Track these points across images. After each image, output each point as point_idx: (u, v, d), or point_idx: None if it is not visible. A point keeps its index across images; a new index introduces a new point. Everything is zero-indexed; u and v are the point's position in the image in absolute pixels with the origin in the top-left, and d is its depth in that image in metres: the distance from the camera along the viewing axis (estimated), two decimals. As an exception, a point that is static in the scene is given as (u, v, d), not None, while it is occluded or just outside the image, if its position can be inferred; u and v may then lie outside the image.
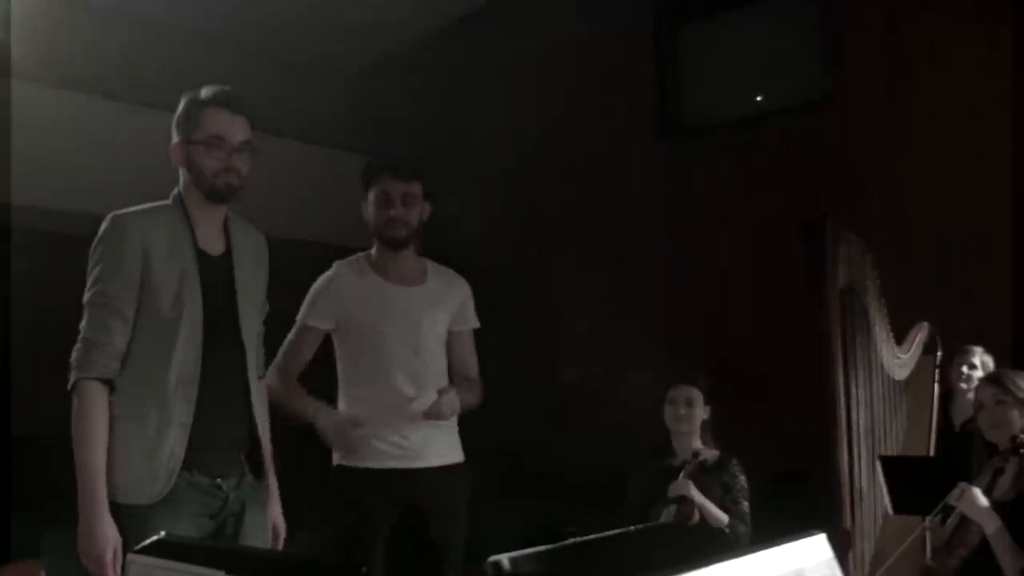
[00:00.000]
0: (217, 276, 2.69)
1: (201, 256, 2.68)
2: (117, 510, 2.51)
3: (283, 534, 2.87)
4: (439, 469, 3.33)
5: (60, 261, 3.63)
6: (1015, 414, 3.16)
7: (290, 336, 3.37)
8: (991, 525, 2.94)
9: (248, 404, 2.72)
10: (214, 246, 2.73)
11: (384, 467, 3.25)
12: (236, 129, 2.69)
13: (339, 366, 3.39)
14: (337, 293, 3.35)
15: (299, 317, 3.37)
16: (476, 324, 3.53)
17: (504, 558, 1.80)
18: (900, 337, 4.15)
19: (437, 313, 3.39)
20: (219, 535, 2.64)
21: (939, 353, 4.36)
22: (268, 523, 2.81)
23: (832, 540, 3.80)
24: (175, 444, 2.55)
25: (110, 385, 2.55)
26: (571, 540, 1.85)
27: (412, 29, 7.96)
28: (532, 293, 7.08)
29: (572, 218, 7.08)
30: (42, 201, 5.78)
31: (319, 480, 3.35)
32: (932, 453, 4.13)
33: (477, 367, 3.53)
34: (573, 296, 6.89)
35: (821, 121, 5.98)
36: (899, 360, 4.09)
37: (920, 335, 4.24)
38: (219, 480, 2.64)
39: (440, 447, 3.36)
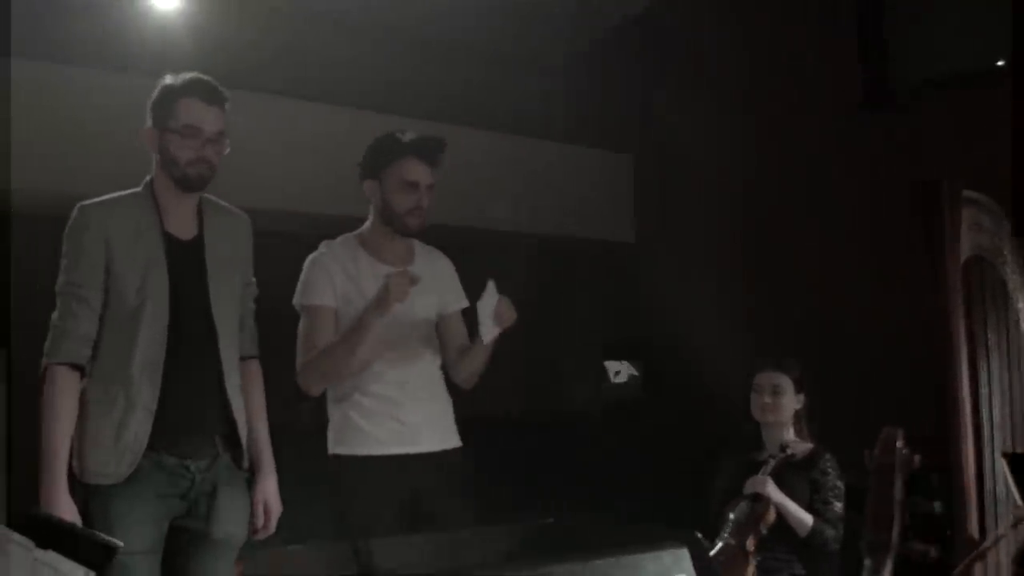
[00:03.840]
0: (187, 260, 2.69)
1: (169, 241, 2.68)
2: (84, 489, 2.56)
3: (276, 511, 2.83)
4: (436, 455, 3.17)
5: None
6: None
7: (300, 329, 3.20)
8: None
9: (222, 387, 2.70)
10: (185, 230, 2.73)
11: (378, 454, 3.10)
12: (211, 119, 2.70)
13: None
14: (329, 271, 3.18)
15: (296, 302, 3.21)
16: (465, 303, 3.31)
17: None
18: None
19: (427, 294, 3.19)
20: (191, 515, 2.66)
21: (1110, 334, 3.72)
22: (247, 503, 2.78)
23: (957, 549, 3.37)
24: (139, 426, 2.57)
25: (81, 371, 2.59)
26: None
27: (608, 15, 7.82)
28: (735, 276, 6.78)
29: (772, 199, 6.69)
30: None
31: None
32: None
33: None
34: (772, 281, 6.51)
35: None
36: (1053, 342, 3.52)
37: (1085, 311, 3.63)
38: (187, 461, 2.64)
39: (437, 432, 3.21)
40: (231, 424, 2.72)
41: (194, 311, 2.67)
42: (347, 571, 1.77)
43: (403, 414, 3.13)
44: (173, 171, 2.68)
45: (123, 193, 2.71)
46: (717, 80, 7.17)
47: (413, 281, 2.98)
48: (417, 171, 3.16)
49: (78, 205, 2.65)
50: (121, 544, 2.16)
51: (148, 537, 2.58)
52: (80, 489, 2.56)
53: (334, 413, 3.21)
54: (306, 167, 6.58)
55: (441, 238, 3.42)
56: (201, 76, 2.73)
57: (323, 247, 3.25)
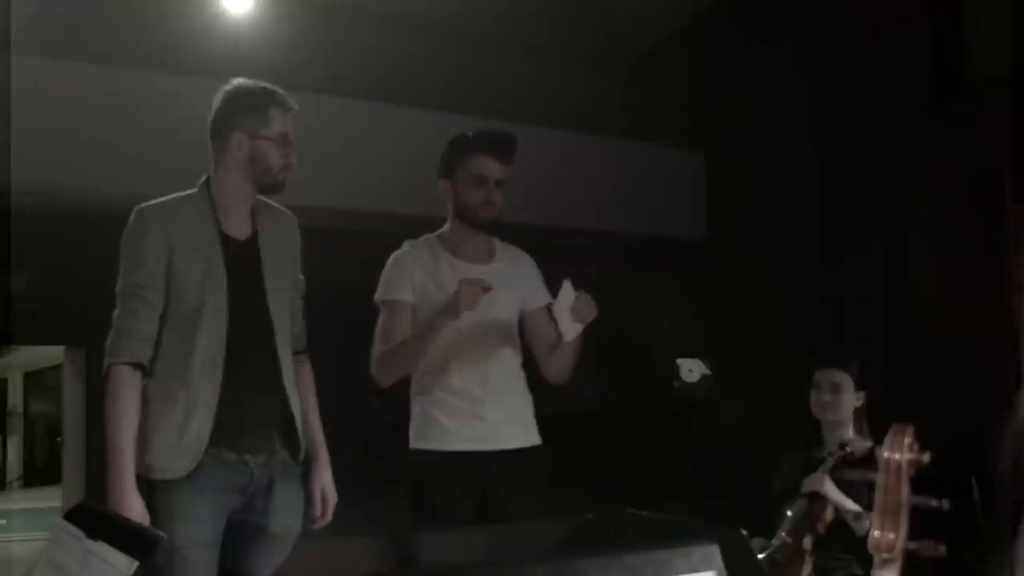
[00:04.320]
0: (244, 259, 2.75)
1: (226, 241, 2.74)
2: (149, 485, 2.61)
3: (333, 500, 2.89)
4: (515, 452, 3.21)
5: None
6: None
7: (378, 323, 3.26)
8: None
9: (279, 383, 2.76)
10: (240, 230, 2.79)
11: (458, 449, 3.15)
12: (291, 126, 2.81)
13: None
14: (409, 268, 3.24)
15: (377, 298, 3.27)
16: (549, 299, 3.31)
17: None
18: None
19: (508, 292, 3.24)
20: (249, 509, 2.72)
21: None
22: (302, 497, 2.84)
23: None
24: (201, 424, 2.63)
25: (143, 370, 2.65)
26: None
27: (676, 13, 7.80)
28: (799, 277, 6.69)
29: (844, 194, 6.59)
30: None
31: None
32: None
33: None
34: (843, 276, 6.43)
35: None
36: None
37: None
38: (247, 456, 2.69)
39: (517, 429, 3.24)
40: (288, 419, 2.77)
41: (252, 309, 2.73)
42: (386, 564, 1.80)
43: (483, 411, 3.18)
44: (266, 177, 2.77)
45: (179, 195, 2.78)
46: (788, 75, 7.10)
47: (485, 289, 3.01)
48: (485, 166, 3.20)
49: (136, 208, 2.71)
50: (164, 536, 2.23)
51: (208, 530, 2.64)
52: (143, 485, 2.60)
53: (415, 408, 3.27)
54: (376, 167, 6.65)
55: (513, 237, 3.46)
56: (271, 85, 2.81)
57: (406, 245, 3.32)
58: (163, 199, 2.74)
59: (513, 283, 3.27)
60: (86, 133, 5.80)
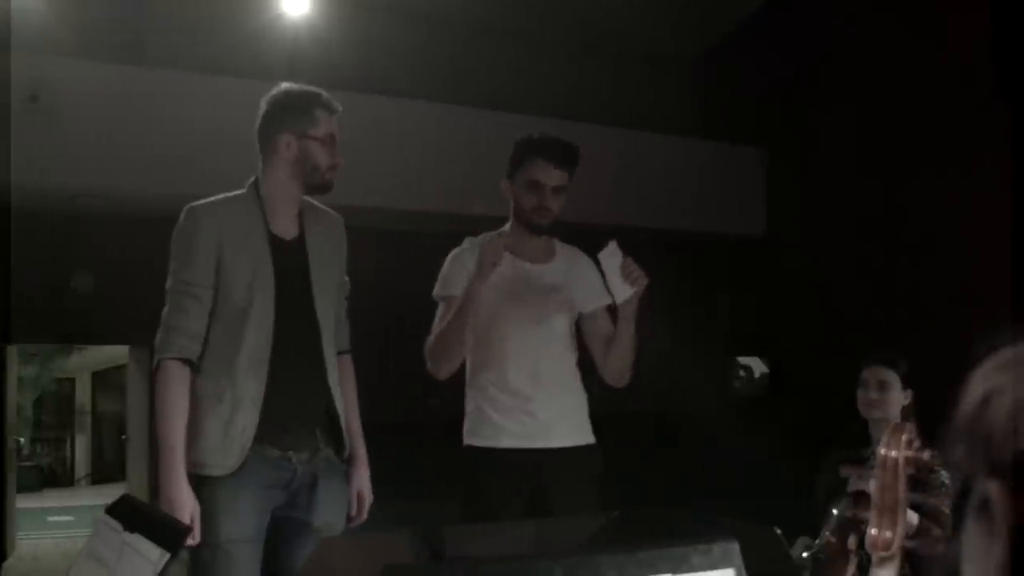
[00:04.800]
0: (291, 259, 2.79)
1: (274, 241, 2.78)
2: (196, 480, 2.66)
3: (368, 500, 2.92)
4: (566, 451, 3.19)
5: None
6: None
7: (436, 318, 3.26)
8: None
9: (324, 382, 2.79)
10: (288, 231, 2.83)
11: (509, 446, 3.15)
12: (335, 128, 2.86)
13: (467, 356, 3.26)
14: (467, 265, 3.20)
15: (435, 294, 3.27)
16: (608, 300, 3.25)
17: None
18: None
19: (564, 292, 3.25)
20: (292, 506, 2.76)
21: None
22: (345, 494, 2.87)
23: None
24: (247, 420, 2.67)
25: (191, 366, 2.70)
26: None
27: (736, 8, 7.75)
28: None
29: (905, 191, 6.51)
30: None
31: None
32: None
33: None
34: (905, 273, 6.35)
35: None
36: None
37: None
38: (290, 453, 2.73)
39: (569, 427, 3.23)
40: (332, 417, 2.81)
41: (298, 309, 2.77)
42: (408, 557, 1.82)
43: (536, 409, 3.18)
44: (313, 177, 2.82)
45: (228, 195, 2.82)
46: (847, 74, 7.03)
47: (507, 246, 3.03)
48: (542, 172, 3.18)
49: (187, 207, 2.76)
50: (189, 526, 2.28)
51: (251, 526, 2.68)
52: (191, 480, 2.65)
53: (469, 404, 3.28)
54: (433, 167, 6.70)
55: (571, 236, 3.47)
56: (315, 88, 2.86)
57: (466, 243, 3.31)
58: (213, 198, 2.79)
59: (570, 283, 3.26)
60: (153, 136, 5.92)
